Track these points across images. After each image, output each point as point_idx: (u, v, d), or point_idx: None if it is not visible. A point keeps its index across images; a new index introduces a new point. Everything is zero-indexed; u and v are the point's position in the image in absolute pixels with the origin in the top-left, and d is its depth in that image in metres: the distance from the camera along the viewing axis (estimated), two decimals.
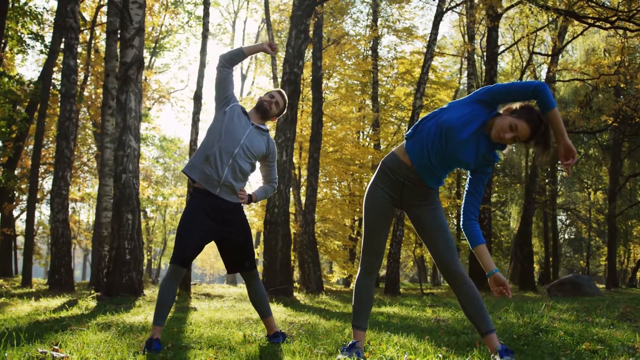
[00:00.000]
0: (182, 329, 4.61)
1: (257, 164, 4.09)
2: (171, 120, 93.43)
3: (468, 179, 3.29)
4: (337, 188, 23.21)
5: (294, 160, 16.36)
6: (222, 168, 3.76)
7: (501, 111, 3.19)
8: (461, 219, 3.24)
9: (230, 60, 3.95)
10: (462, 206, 3.25)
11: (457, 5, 16.32)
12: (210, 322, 5.25)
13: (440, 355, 3.14)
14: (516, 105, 3.15)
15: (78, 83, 16.11)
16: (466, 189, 3.27)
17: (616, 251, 25.50)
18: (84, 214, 35.37)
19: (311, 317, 6.09)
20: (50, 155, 22.62)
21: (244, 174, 3.85)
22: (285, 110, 4.20)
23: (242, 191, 3.91)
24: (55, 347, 3.30)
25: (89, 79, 21.51)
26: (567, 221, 35.84)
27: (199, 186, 3.83)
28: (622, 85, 17.98)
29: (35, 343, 3.48)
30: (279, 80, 18.23)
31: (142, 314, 6.13)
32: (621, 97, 20.05)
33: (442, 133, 3.14)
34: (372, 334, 4.14)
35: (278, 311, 6.89)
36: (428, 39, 15.01)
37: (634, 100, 16.98)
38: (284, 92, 4.13)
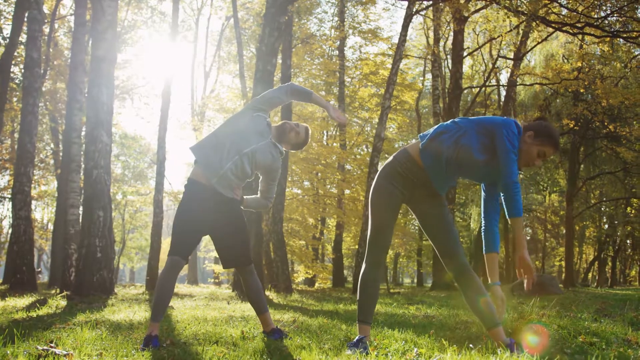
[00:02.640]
0: (173, 327, 4.51)
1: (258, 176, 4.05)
2: (131, 117, 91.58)
3: (482, 186, 3.35)
4: (301, 188, 23.19)
5: None
6: (227, 160, 3.70)
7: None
8: (482, 223, 3.28)
9: (297, 94, 3.91)
10: (483, 212, 3.28)
11: (427, 7, 16.51)
12: (196, 320, 5.16)
13: (446, 348, 3.15)
14: (535, 126, 3.22)
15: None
16: (483, 196, 3.32)
17: (573, 252, 26.27)
18: (39, 213, 34.32)
19: (294, 315, 6.05)
20: (6, 151, 21.87)
21: (244, 174, 3.79)
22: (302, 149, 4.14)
23: (237, 189, 3.85)
24: (52, 345, 3.17)
25: (48, 73, 20.89)
26: (524, 222, 36.69)
27: (194, 177, 3.76)
28: (581, 91, 18.52)
29: (30, 341, 3.34)
30: (247, 78, 18.12)
31: (122, 312, 5.98)
32: (580, 101, 20.65)
33: (458, 153, 3.20)
34: (371, 330, 4.12)
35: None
36: (397, 40, 15.13)
37: (594, 105, 17.51)
38: (310, 131, 4.09)
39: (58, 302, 7.50)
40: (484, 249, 3.26)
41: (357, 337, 3.31)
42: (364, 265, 3.44)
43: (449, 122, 3.31)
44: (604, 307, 6.38)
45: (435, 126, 3.32)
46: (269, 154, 3.85)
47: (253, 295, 3.97)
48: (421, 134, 3.37)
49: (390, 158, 3.39)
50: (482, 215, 3.27)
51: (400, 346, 3.28)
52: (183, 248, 3.62)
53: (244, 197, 4.01)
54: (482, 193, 3.33)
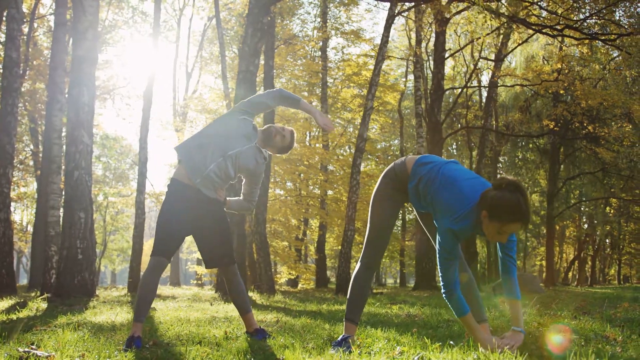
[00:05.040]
0: (155, 328, 4.49)
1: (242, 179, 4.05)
2: (112, 118, 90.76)
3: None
4: (283, 189, 23.18)
5: None
6: (211, 161, 3.70)
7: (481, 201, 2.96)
8: (500, 273, 3.16)
9: (285, 100, 3.89)
10: (500, 264, 3.16)
11: (409, 9, 16.59)
12: (178, 321, 5.14)
13: (428, 345, 3.18)
14: (488, 202, 2.87)
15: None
16: (498, 248, 3.19)
17: (554, 251, 26.56)
18: (17, 215, 33.87)
19: (277, 315, 6.05)
20: None
21: (226, 176, 3.79)
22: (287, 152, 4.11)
23: (220, 189, 3.85)
24: (33, 347, 3.15)
25: (27, 73, 20.64)
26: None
27: (177, 177, 3.75)
28: (561, 92, 18.74)
29: (10, 343, 3.31)
30: (229, 79, 18.06)
31: (104, 314, 5.94)
32: (560, 102, 20.90)
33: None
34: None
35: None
36: (379, 41, 15.19)
37: (573, 106, 17.73)
38: (295, 135, 4.07)
39: (39, 305, 7.42)
40: (505, 295, 3.17)
41: (341, 336, 3.33)
42: (358, 265, 3.45)
43: (429, 171, 3.17)
44: (584, 305, 6.47)
45: (423, 167, 3.22)
46: (252, 158, 3.85)
47: (236, 295, 3.97)
48: (420, 157, 3.28)
49: (392, 164, 3.41)
50: (500, 266, 3.15)
51: (383, 345, 3.30)
52: (166, 248, 3.61)
53: (228, 198, 4.01)
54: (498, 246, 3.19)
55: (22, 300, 8.40)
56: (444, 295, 3.03)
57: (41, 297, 8.10)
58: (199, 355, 3.02)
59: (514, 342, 3.03)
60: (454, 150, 31.54)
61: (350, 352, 3.10)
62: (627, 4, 12.42)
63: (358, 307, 3.40)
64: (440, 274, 3.04)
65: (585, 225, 32.77)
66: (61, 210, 10.65)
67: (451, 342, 3.26)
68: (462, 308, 3.01)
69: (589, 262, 34.96)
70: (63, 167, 11.74)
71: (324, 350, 3.23)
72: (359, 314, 3.40)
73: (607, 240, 35.66)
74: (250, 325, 3.95)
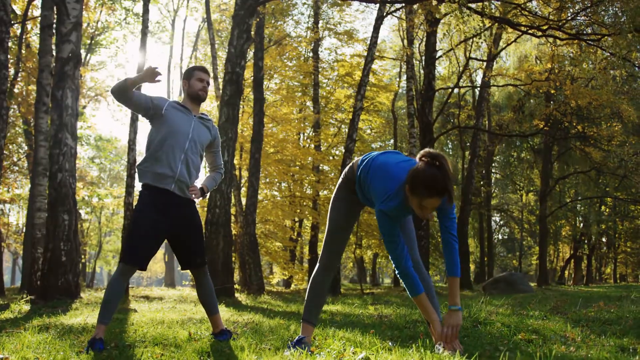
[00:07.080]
0: (124, 329, 4.52)
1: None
2: (107, 119, 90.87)
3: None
4: (277, 190, 23.18)
5: (234, 162, 16.22)
6: (176, 164, 3.73)
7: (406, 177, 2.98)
8: (443, 248, 3.17)
9: (119, 94, 3.67)
10: (441, 237, 3.17)
11: (397, 10, 16.62)
12: (152, 322, 5.17)
13: (384, 346, 3.21)
14: (409, 177, 2.91)
15: (8, 79, 15.41)
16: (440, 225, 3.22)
17: (547, 250, 26.57)
18: (13, 216, 33.86)
19: (254, 316, 6.09)
20: None
21: (196, 169, 3.85)
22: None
23: (193, 187, 3.86)
24: None
25: (19, 75, 20.63)
26: (501, 222, 37.10)
27: (150, 183, 3.76)
28: (552, 92, 18.76)
29: None
30: (220, 80, 18.10)
31: (81, 316, 5.97)
32: (552, 102, 20.94)
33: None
34: (317, 330, 4.18)
35: (220, 311, 6.81)
36: (369, 42, 15.23)
37: (563, 106, 17.76)
38: (204, 66, 4.06)
39: (21, 307, 7.45)
40: (446, 272, 3.18)
41: (297, 337, 3.36)
42: (317, 266, 3.49)
43: (365, 165, 3.22)
44: (560, 305, 6.50)
45: (362, 165, 3.27)
46: (204, 130, 3.93)
47: (206, 296, 4.01)
48: (362, 157, 3.33)
49: (348, 168, 3.44)
50: (442, 244, 3.16)
51: (339, 346, 3.33)
52: (142, 256, 3.66)
53: (200, 186, 3.97)
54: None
55: (5, 302, 8.43)
56: (398, 275, 3.07)
57: (24, 299, 8.12)
58: (152, 356, 3.05)
59: (454, 324, 3.04)
60: (449, 150, 31.56)
61: (301, 352, 3.13)
62: (607, 5, 12.41)
63: (315, 308, 3.43)
64: (390, 257, 3.08)
65: (581, 225, 32.79)
66: None
67: (390, 343, 3.29)
68: (417, 287, 3.05)
69: (585, 261, 34.99)
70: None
71: (280, 351, 3.26)
72: (316, 315, 3.43)
73: (603, 239, 35.70)
74: (217, 326, 3.99)
